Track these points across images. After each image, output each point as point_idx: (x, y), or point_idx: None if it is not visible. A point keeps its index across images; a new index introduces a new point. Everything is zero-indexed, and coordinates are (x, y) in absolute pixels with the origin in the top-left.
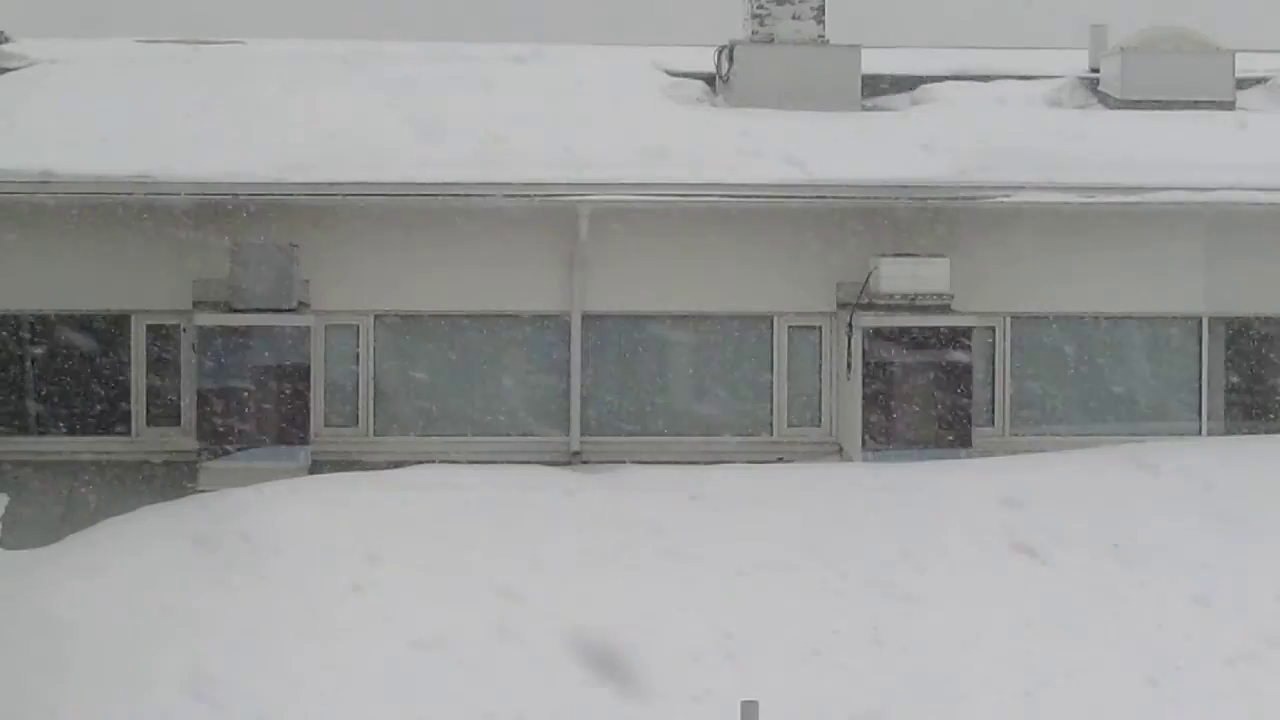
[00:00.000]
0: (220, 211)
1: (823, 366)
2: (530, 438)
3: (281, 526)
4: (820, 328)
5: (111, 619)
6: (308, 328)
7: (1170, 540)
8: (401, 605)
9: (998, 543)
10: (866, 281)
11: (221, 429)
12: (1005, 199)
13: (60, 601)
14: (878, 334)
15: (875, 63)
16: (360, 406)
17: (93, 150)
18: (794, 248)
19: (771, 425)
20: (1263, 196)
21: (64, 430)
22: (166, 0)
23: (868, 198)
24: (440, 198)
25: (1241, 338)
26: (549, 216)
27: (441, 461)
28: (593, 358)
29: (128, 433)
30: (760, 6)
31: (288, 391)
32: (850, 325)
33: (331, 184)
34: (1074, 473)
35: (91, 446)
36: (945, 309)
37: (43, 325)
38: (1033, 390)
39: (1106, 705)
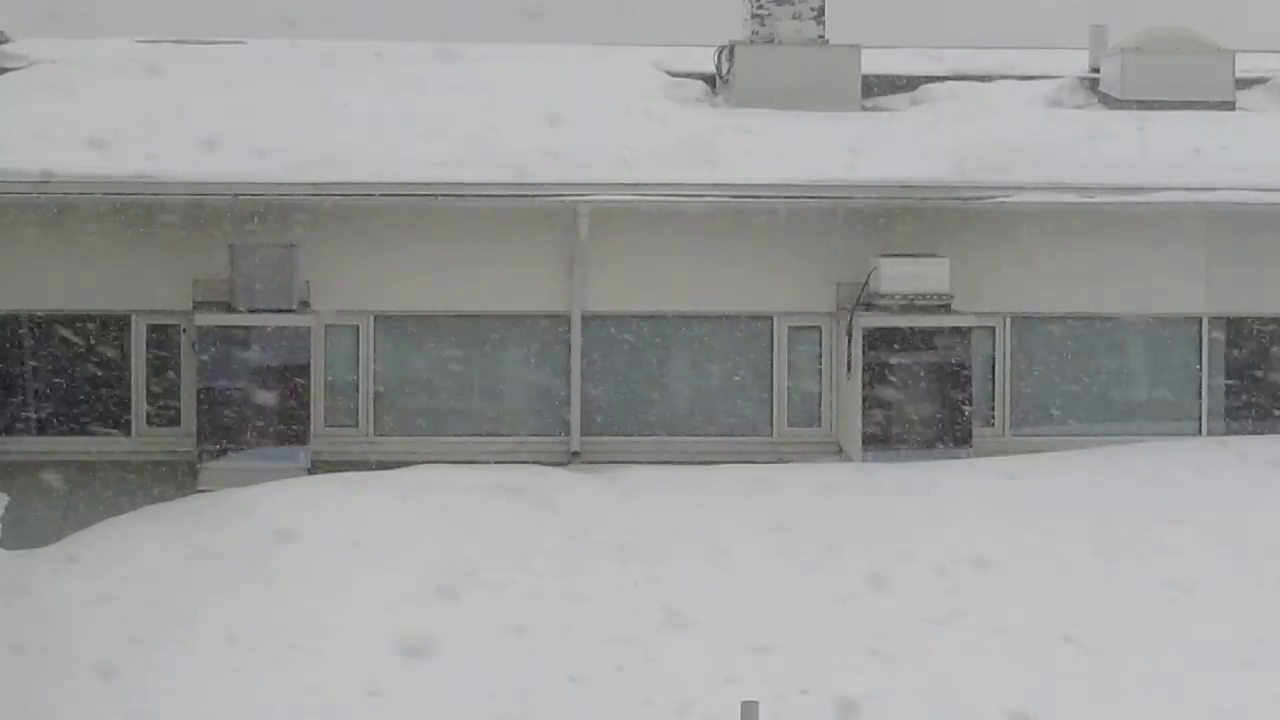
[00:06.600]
0: (220, 211)
1: (823, 366)
2: (530, 438)
3: (281, 527)
4: (820, 328)
5: (111, 619)
6: (308, 328)
7: (1168, 540)
8: (401, 605)
9: (999, 542)
10: (866, 282)
11: (221, 429)
12: (1005, 199)
13: (60, 602)
14: (878, 334)
15: (875, 63)
16: (360, 406)
17: (93, 150)
18: (794, 248)
19: (771, 425)
20: (1263, 196)
21: (64, 430)
22: (166, 0)
23: (868, 198)
24: (440, 198)
25: (1241, 338)
26: (549, 216)
27: (441, 462)
28: (593, 358)
29: (128, 433)
30: (760, 6)
31: (287, 391)
32: (850, 325)
33: (331, 184)
34: (1073, 472)
35: (91, 446)
36: (945, 309)
37: (43, 325)
38: (1033, 390)
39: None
